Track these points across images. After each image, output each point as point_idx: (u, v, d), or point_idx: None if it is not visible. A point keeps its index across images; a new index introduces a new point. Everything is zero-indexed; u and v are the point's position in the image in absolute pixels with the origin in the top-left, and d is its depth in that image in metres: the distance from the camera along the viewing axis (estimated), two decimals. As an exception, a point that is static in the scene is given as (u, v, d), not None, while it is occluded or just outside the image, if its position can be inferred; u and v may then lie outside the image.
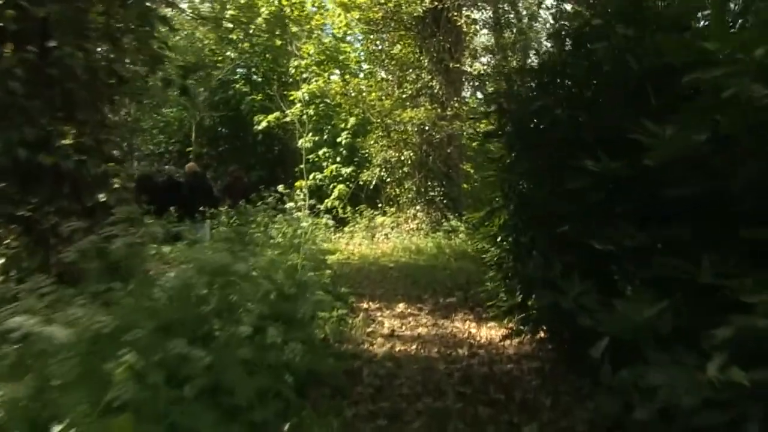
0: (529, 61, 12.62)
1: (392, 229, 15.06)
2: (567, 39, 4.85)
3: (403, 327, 6.98)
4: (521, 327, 5.97)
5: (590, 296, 3.13)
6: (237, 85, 21.06)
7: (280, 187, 8.18)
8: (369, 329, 6.75)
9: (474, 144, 19.27)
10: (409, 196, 15.14)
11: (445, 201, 14.69)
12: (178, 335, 2.96)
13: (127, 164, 11.12)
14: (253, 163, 21.50)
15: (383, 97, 14.53)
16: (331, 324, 6.47)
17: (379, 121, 15.17)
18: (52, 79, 4.47)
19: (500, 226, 5.87)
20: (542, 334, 5.76)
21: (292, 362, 4.17)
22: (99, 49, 5.01)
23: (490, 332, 6.71)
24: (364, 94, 14.65)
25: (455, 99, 14.53)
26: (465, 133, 15.11)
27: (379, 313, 7.63)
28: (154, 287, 3.34)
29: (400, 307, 7.98)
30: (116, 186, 4.40)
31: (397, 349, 6.07)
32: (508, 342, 6.20)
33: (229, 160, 22.54)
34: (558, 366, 5.29)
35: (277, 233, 7.51)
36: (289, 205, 7.42)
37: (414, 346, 6.13)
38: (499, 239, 6.00)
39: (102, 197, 4.20)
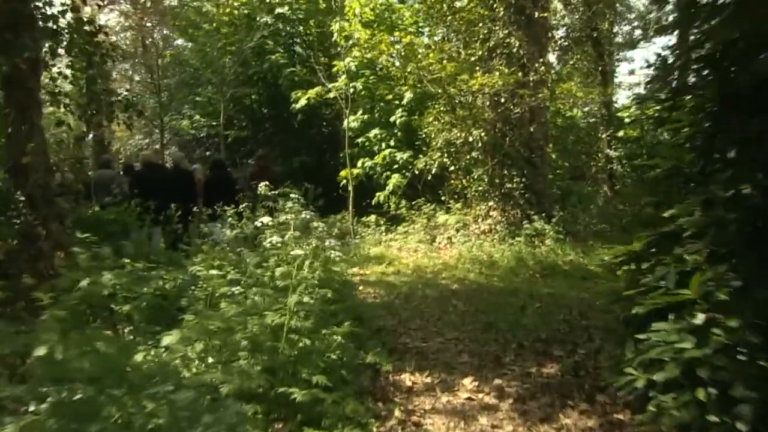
0: None
1: (457, 231, 11.73)
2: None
3: (471, 451, 3.74)
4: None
5: None
6: (273, 56, 17.91)
7: (262, 187, 5.05)
8: (405, 463, 3.53)
9: (559, 121, 15.69)
10: (479, 188, 11.73)
11: (526, 195, 11.19)
12: None
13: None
14: (297, 147, 18.51)
15: (444, 59, 11.04)
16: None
17: (440, 91, 11.78)
18: None
19: (705, 295, 2.53)
20: None
21: None
22: None
23: (639, 473, 3.39)
24: (419, 55, 11.20)
25: (540, 61, 11.01)
26: (553, 107, 11.64)
27: (428, 403, 4.41)
28: None
29: (466, 386, 4.75)
30: None
31: None
32: None
33: (273, 144, 19.79)
34: None
35: (244, 272, 4.34)
36: (263, 221, 4.12)
37: None
38: (692, 319, 2.67)
39: None
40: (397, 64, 12.77)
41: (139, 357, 3.41)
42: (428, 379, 4.87)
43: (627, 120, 15.53)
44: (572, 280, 8.91)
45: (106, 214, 7.87)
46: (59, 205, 6.75)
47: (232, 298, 3.91)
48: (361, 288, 8.57)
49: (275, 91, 18.50)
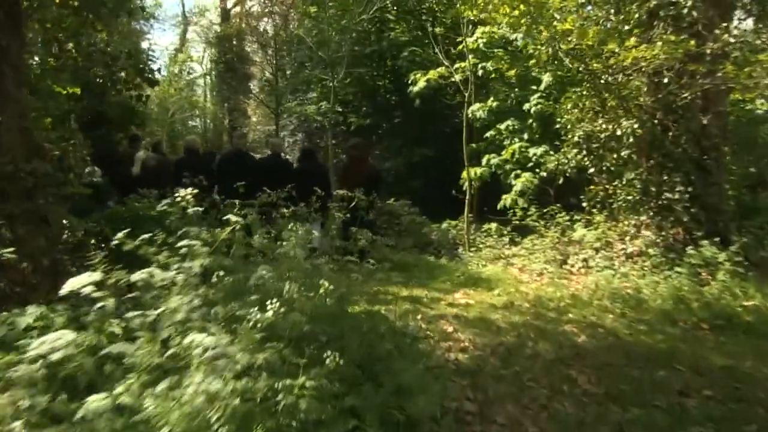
0: None
1: (597, 251, 9.03)
2: None
3: None
4: None
5: None
6: (393, 33, 15.88)
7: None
8: None
9: (739, 113, 12.30)
10: (629, 197, 8.93)
11: (692, 209, 8.26)
12: None
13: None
14: (418, 137, 16.43)
15: (584, 24, 8.35)
16: None
17: (580, 68, 9.12)
18: None
19: None
20: None
21: None
22: None
23: None
24: (554, 21, 8.55)
25: (722, 27, 8.06)
26: (736, 92, 8.65)
27: None
28: None
29: None
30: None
31: None
32: None
33: (396, 134, 17.92)
34: None
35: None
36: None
37: None
38: None
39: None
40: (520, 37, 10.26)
41: None
42: None
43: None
44: (761, 340, 6.11)
45: (148, 209, 6.37)
46: (37, 199, 5.12)
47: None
48: (450, 330, 6.28)
49: (396, 73, 16.56)
